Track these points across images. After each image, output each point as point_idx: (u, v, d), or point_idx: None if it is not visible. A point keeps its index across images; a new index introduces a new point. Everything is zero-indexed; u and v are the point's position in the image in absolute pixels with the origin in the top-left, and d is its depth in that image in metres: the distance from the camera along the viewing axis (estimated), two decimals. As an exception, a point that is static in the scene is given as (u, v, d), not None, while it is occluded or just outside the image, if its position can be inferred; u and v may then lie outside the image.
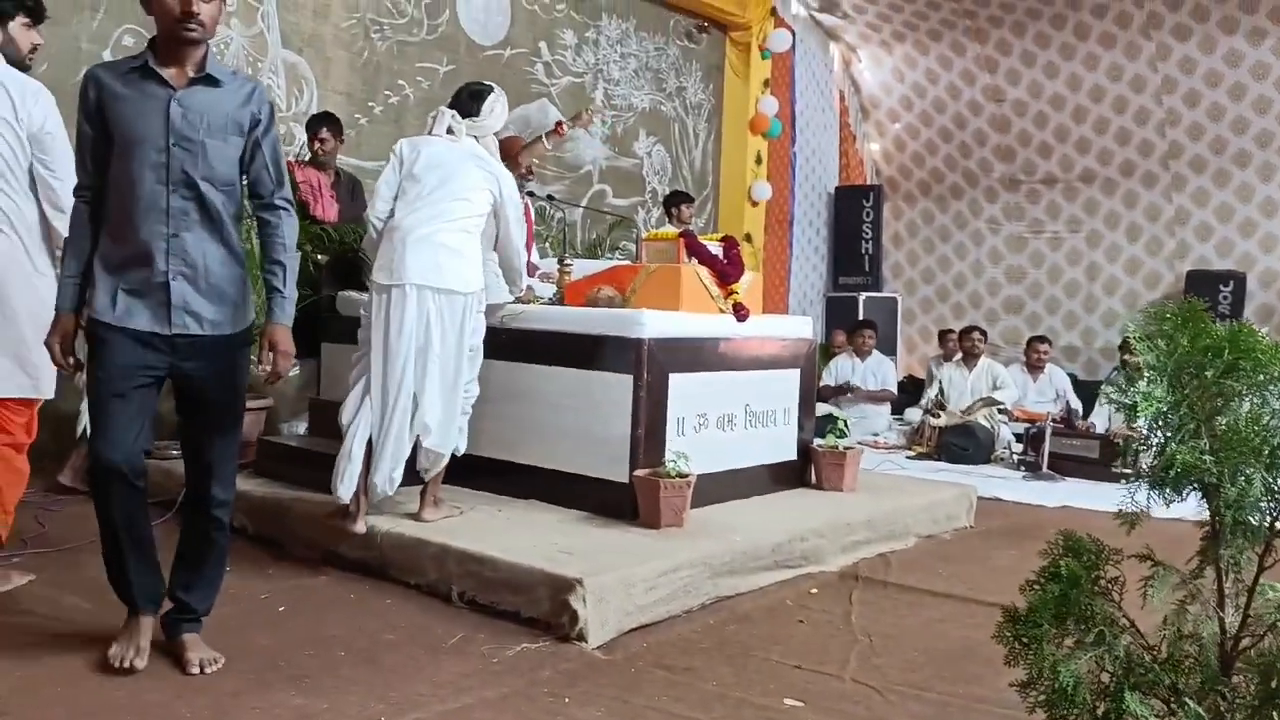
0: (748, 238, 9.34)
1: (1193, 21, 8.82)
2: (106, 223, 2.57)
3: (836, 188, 11.20)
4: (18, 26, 3.25)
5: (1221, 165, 9.26)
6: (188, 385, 2.66)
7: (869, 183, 11.30)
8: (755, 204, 9.73)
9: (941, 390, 7.73)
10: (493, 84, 4.13)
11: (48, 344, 2.61)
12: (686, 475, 3.94)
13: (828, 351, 8.81)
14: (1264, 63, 8.77)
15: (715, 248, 4.69)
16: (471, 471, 4.21)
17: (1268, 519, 1.62)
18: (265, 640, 3.03)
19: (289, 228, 2.74)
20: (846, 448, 4.95)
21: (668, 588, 3.43)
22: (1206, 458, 1.57)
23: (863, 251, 10.97)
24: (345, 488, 3.73)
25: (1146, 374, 1.68)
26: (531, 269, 5.04)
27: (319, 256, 5.30)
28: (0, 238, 3.13)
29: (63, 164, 3.17)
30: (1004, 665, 1.77)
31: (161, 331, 2.55)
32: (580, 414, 4.21)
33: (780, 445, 4.87)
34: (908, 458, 7.28)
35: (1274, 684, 1.50)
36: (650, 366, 4.10)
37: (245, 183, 2.69)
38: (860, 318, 9.45)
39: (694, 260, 4.57)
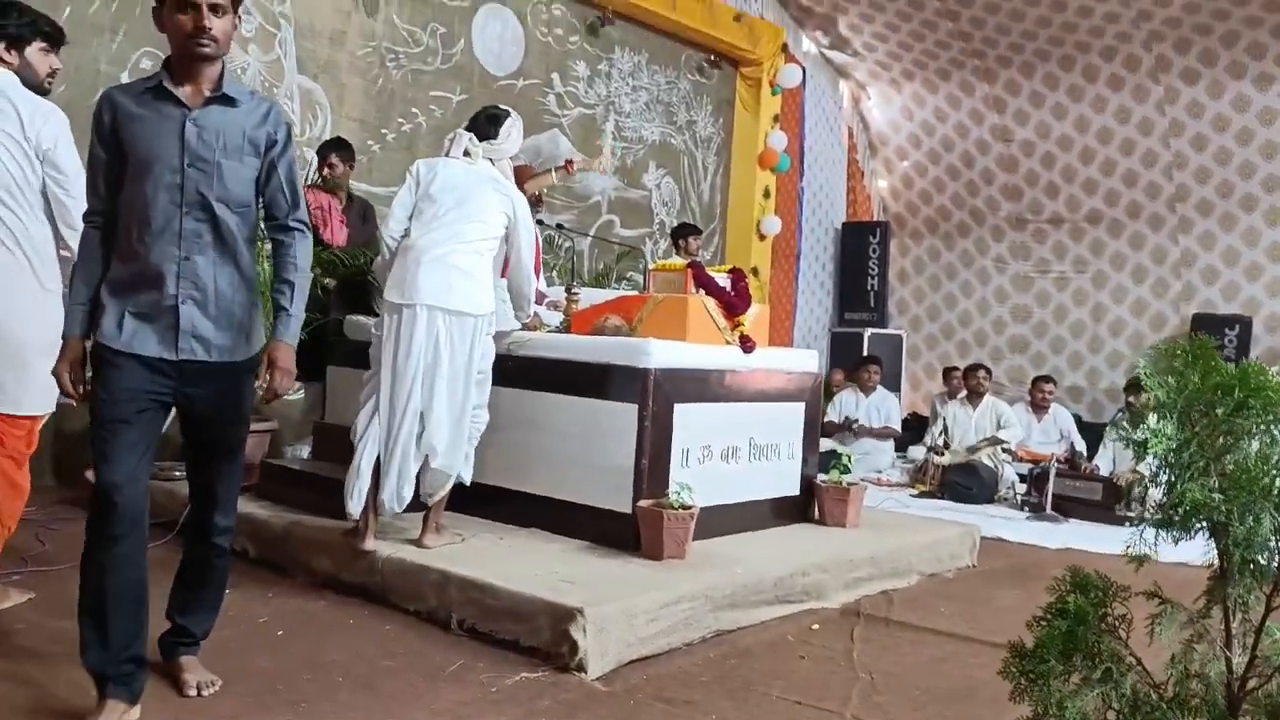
0: (754, 271, 9.37)
1: (1201, 66, 8.89)
2: (117, 247, 2.51)
3: (843, 223, 11.24)
4: (35, 51, 3.29)
5: (1228, 209, 9.29)
6: (192, 411, 2.60)
7: (876, 219, 11.34)
8: (764, 238, 9.77)
9: (946, 428, 7.71)
10: (510, 109, 4.17)
11: (55, 372, 2.55)
12: (690, 507, 3.93)
13: (827, 389, 8.81)
14: (1272, 108, 8.83)
15: (723, 279, 4.70)
16: (474, 499, 4.20)
17: (1276, 559, 1.61)
18: (264, 663, 3.01)
19: (302, 249, 2.69)
20: (850, 483, 4.93)
21: (669, 619, 3.40)
22: (1216, 495, 1.56)
23: (868, 287, 10.99)
24: (355, 504, 3.75)
25: (1156, 411, 1.67)
26: (539, 296, 5.05)
27: (327, 280, 5.32)
28: (4, 254, 3.16)
29: (76, 183, 3.19)
30: (1008, 703, 1.76)
31: (168, 357, 2.49)
32: (584, 443, 4.20)
33: (784, 479, 4.86)
34: (911, 495, 7.25)
35: (1282, 727, 1.49)
36: (656, 396, 4.10)
37: (260, 204, 2.64)
38: (865, 353, 9.45)
39: (701, 291, 4.57)
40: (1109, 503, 6.67)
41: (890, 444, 8.43)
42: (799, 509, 4.92)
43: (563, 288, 5.19)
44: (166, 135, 2.46)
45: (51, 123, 3.21)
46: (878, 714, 2.95)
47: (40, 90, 3.30)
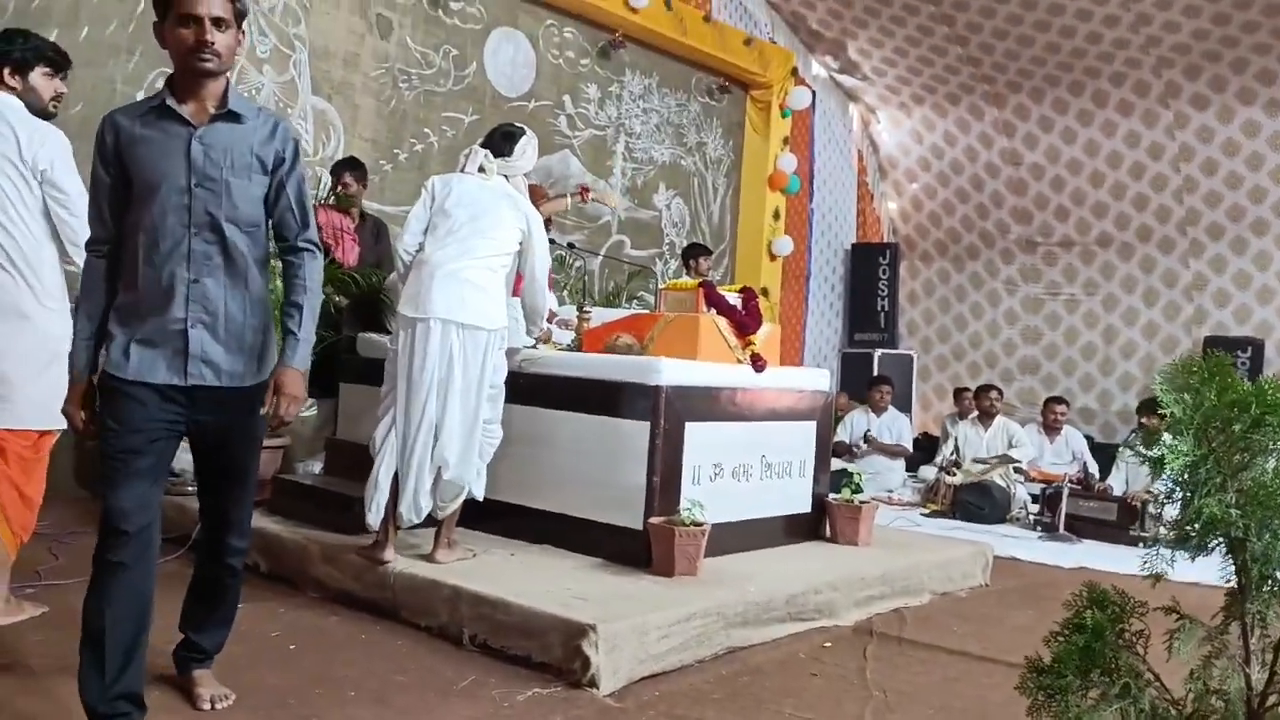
0: (764, 291, 9.38)
1: (1210, 91, 8.90)
2: (124, 273, 2.44)
3: (853, 245, 11.26)
4: (39, 76, 3.35)
5: (1239, 232, 9.28)
6: (203, 438, 2.54)
7: (885, 240, 11.36)
8: (775, 258, 9.79)
9: (957, 448, 7.70)
10: (525, 127, 4.22)
11: (66, 413, 2.48)
12: (701, 524, 3.93)
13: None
14: (1282, 133, 8.84)
15: (734, 299, 4.72)
16: (486, 515, 4.20)
17: (1294, 575, 1.61)
18: (275, 679, 3.01)
19: (313, 271, 2.62)
20: (861, 502, 4.92)
21: (681, 636, 3.40)
22: (1233, 511, 1.57)
23: (878, 308, 11.00)
24: (374, 515, 3.79)
25: (1172, 428, 1.68)
26: (550, 315, 5.08)
27: (339, 298, 5.35)
28: (2, 274, 3.20)
29: (78, 202, 3.23)
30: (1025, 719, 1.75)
31: (177, 383, 2.41)
32: (596, 460, 4.21)
33: (795, 497, 4.85)
34: (922, 515, 7.22)
35: (1303, 744, 1.48)
36: (667, 414, 4.11)
37: (270, 224, 2.57)
38: (875, 374, 9.45)
39: (713, 310, 4.59)
40: (1123, 523, 6.64)
41: (901, 463, 8.41)
42: (810, 527, 4.91)
43: (574, 307, 5.21)
44: (172, 155, 2.39)
45: (49, 144, 3.26)
46: (891, 733, 2.93)
47: (45, 114, 3.37)
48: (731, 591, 3.73)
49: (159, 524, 2.47)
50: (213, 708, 2.69)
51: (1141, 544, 6.18)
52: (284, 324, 2.58)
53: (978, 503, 7.11)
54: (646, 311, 5.59)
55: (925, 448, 8.97)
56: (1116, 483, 7.25)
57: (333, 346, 5.29)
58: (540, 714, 2.89)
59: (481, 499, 3.95)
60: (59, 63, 3.42)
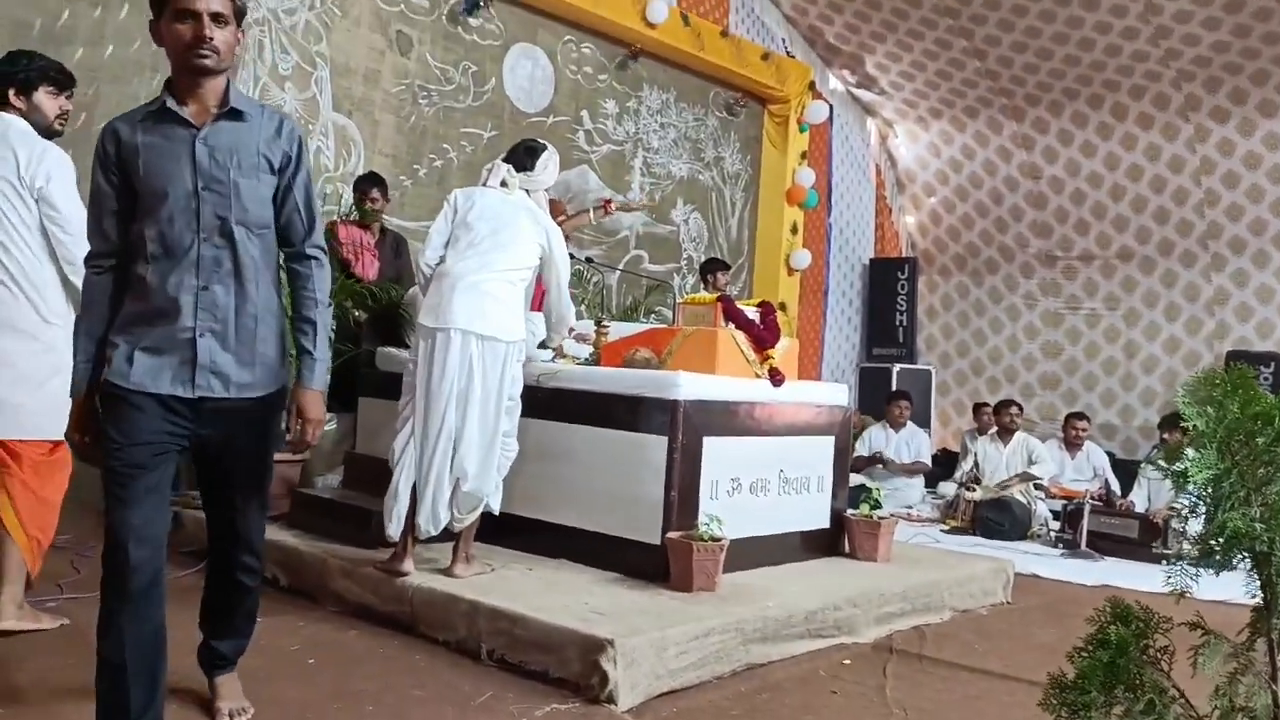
0: (782, 306, 9.37)
1: (1231, 104, 8.85)
2: (130, 286, 2.35)
3: (871, 259, 11.24)
4: (43, 95, 3.42)
5: (1261, 246, 9.20)
6: (210, 450, 2.43)
7: (904, 255, 11.33)
8: (793, 272, 9.78)
9: (976, 464, 7.65)
10: (547, 143, 4.26)
11: (68, 437, 2.41)
12: (720, 539, 3.91)
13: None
14: (1304, 146, 8.77)
15: (752, 313, 4.72)
16: (504, 530, 4.20)
17: (1322, 591, 1.59)
18: (294, 692, 3.01)
19: (322, 280, 2.53)
20: (881, 517, 4.89)
21: (699, 652, 3.38)
22: (1258, 525, 1.55)
23: (897, 323, 10.96)
24: (394, 526, 3.81)
25: (1195, 441, 1.66)
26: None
27: (358, 313, 5.38)
28: (2, 291, 3.26)
29: (73, 220, 3.29)
30: (1048, 736, 1.73)
31: (184, 394, 2.31)
32: (614, 474, 4.20)
33: (813, 513, 4.83)
34: (942, 531, 7.17)
35: (1332, 762, 1.45)
36: (685, 428, 4.10)
37: (277, 226, 2.47)
38: (894, 389, 9.41)
39: (731, 325, 4.59)
40: (1145, 540, 6.57)
41: (920, 479, 8.36)
42: (829, 542, 4.89)
43: (592, 321, 5.22)
44: (176, 159, 2.30)
45: (47, 161, 3.32)
46: (911, 750, 2.90)
47: (51, 132, 3.44)
48: (750, 607, 3.71)
49: (166, 545, 2.37)
50: (231, 720, 2.69)
51: (1164, 561, 6.09)
52: (298, 342, 2.49)
53: (998, 519, 7.06)
54: (664, 326, 5.59)
55: (944, 464, 8.91)
56: (1138, 499, 7.19)
57: (352, 360, 5.32)
58: (558, 729, 2.88)
59: (498, 512, 3.96)
60: (63, 81, 3.49)
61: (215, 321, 2.32)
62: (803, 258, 9.74)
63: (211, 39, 2.26)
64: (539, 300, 4.32)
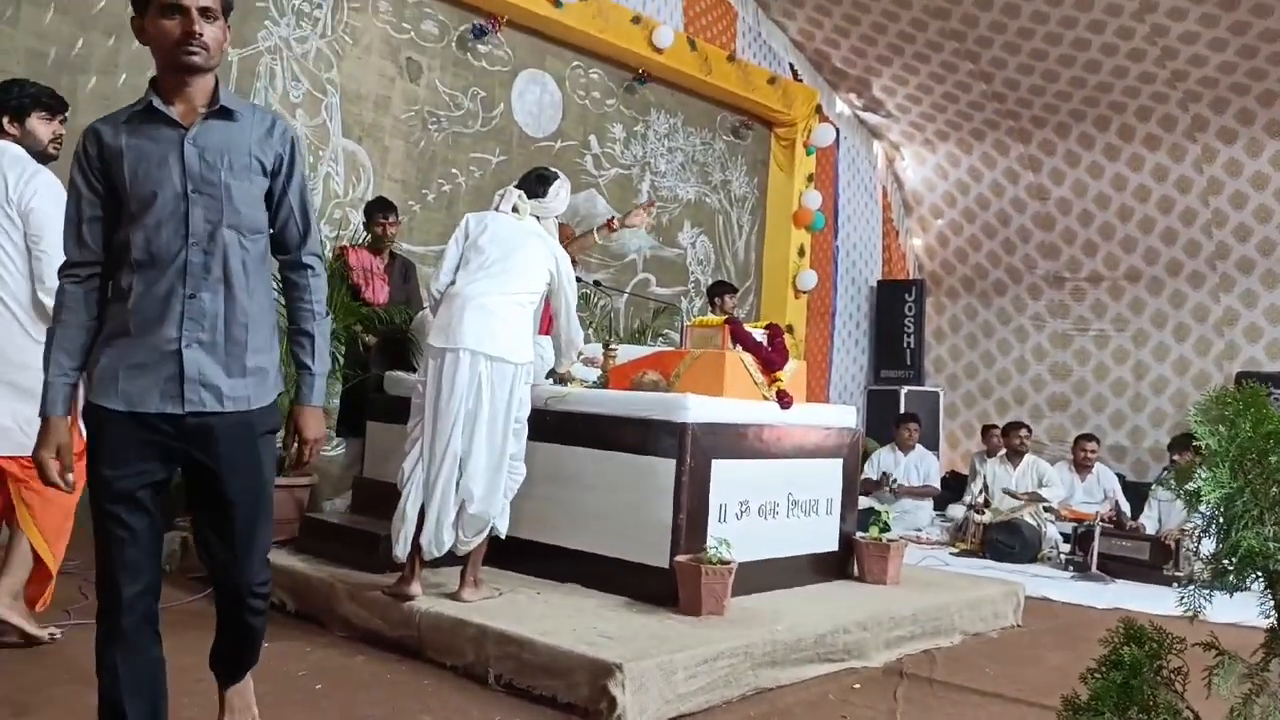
0: (789, 329, 9.37)
1: (1238, 125, 8.87)
2: (114, 296, 2.19)
3: (879, 281, 11.25)
4: (36, 121, 3.50)
5: (1270, 266, 9.19)
6: (202, 475, 2.23)
7: (911, 277, 11.34)
8: (800, 295, 9.79)
9: (986, 486, 7.61)
10: (559, 171, 4.32)
11: (38, 458, 2.19)
12: (728, 562, 3.90)
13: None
14: (1311, 166, 8.77)
15: (760, 335, 4.71)
16: (511, 554, 4.19)
17: (1337, 611, 1.57)
18: (301, 718, 3.00)
19: (319, 290, 2.39)
20: (890, 540, 4.87)
21: (708, 676, 3.36)
22: (1271, 544, 1.54)
23: (905, 345, 10.95)
24: (401, 548, 3.81)
25: (1207, 460, 1.65)
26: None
27: (368, 337, 5.39)
28: None
29: (55, 244, 3.33)
30: (1062, 760, 1.71)
31: (173, 411, 2.14)
32: (622, 498, 4.20)
33: (822, 535, 4.81)
34: (951, 554, 7.13)
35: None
36: (693, 451, 4.09)
37: (271, 233, 2.33)
38: (902, 411, 9.38)
39: (739, 347, 4.59)
40: (1157, 562, 6.52)
41: (929, 502, 8.32)
42: (838, 565, 4.86)
43: (600, 344, 5.23)
44: (163, 161, 2.15)
45: (35, 182, 3.38)
46: (923, 776, 2.88)
47: (45, 156, 3.52)
48: (759, 631, 3.69)
49: (160, 576, 2.26)
50: (239, 745, 2.65)
51: (1176, 583, 6.05)
52: (295, 356, 2.35)
53: (1008, 542, 7.02)
54: (672, 349, 5.59)
55: (953, 486, 8.87)
56: (1149, 522, 7.14)
57: (361, 385, 5.33)
58: (566, 754, 2.86)
59: (504, 536, 3.95)
60: (55, 107, 3.56)
61: (203, 331, 2.16)
62: (809, 278, 9.75)
63: (201, 35, 2.13)
64: (547, 325, 4.34)
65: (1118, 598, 5.85)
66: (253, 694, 2.60)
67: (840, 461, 4.93)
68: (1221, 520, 1.66)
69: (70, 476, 2.21)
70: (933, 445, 9.50)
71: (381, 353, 5.35)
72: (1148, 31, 8.21)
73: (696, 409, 4.14)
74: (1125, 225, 9.83)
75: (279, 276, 2.39)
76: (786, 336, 5.11)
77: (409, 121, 7.02)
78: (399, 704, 3.19)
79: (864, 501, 6.40)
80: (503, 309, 3.84)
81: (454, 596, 3.83)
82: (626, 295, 8.10)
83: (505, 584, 4.10)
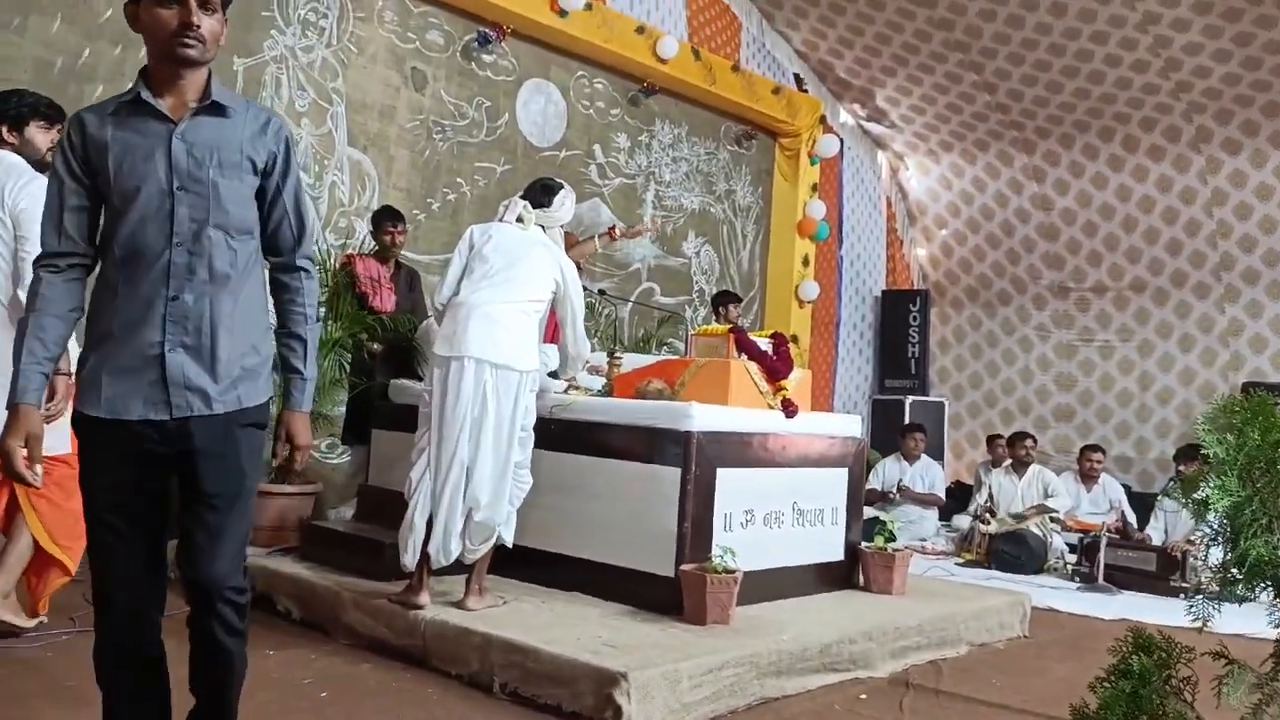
0: (794, 338, 9.37)
1: (1243, 136, 8.87)
2: (101, 293, 2.11)
3: (883, 291, 11.24)
4: (34, 130, 3.57)
5: (1275, 277, 9.17)
6: (183, 468, 2.11)
7: (916, 287, 11.33)
8: (803, 304, 9.79)
9: (991, 496, 7.59)
10: (563, 182, 4.33)
11: (6, 448, 2.04)
12: (733, 571, 3.89)
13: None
14: (1316, 176, 8.77)
15: (765, 344, 4.72)
16: (516, 562, 4.18)
17: (1347, 620, 1.56)
18: (306, 724, 3.00)
19: (310, 293, 2.30)
20: (895, 550, 4.86)
21: (713, 686, 3.35)
22: (1281, 553, 1.53)
23: (909, 355, 10.94)
24: (409, 557, 3.81)
25: (1215, 469, 1.65)
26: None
27: (374, 345, 5.40)
28: None
29: (36, 243, 3.39)
30: (1070, 770, 1.71)
31: (158, 417, 2.05)
32: (627, 506, 4.19)
33: (827, 545, 4.80)
34: (957, 564, 7.11)
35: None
36: (698, 460, 4.09)
37: (264, 234, 2.24)
38: (906, 421, 9.37)
39: (743, 356, 4.59)
40: (1163, 573, 6.50)
41: (934, 512, 8.30)
42: (843, 575, 4.85)
43: (605, 353, 5.23)
44: (149, 155, 2.06)
45: (30, 187, 3.42)
46: (930, 786, 2.86)
47: (44, 165, 3.55)
48: (765, 640, 3.68)
49: (164, 587, 2.18)
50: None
51: (1183, 595, 6.02)
52: (285, 359, 2.26)
53: (1014, 552, 7.00)
54: (677, 357, 5.59)
55: (959, 496, 8.85)
56: (1155, 532, 7.12)
57: (366, 393, 5.33)
58: (571, 763, 2.85)
59: (510, 544, 3.95)
60: (53, 116, 3.62)
61: (187, 335, 2.07)
62: (810, 288, 9.75)
63: (199, 27, 2.04)
64: (552, 333, 4.34)
65: (1124, 609, 5.82)
66: None
67: (845, 471, 4.92)
68: (1230, 529, 1.66)
69: (39, 468, 2.09)
70: (937, 455, 9.48)
71: (386, 361, 5.36)
72: (1151, 43, 8.22)
73: (701, 417, 4.14)
74: (1130, 236, 9.82)
75: (271, 281, 2.30)
76: (791, 346, 5.12)
77: (414, 131, 7.03)
78: (404, 712, 3.18)
79: (869, 511, 6.38)
80: (507, 317, 3.85)
81: (459, 605, 3.83)
82: (631, 304, 8.10)
83: (510, 592, 4.10)
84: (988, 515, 7.39)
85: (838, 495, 4.86)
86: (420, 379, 4.94)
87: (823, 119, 9.92)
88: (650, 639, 3.58)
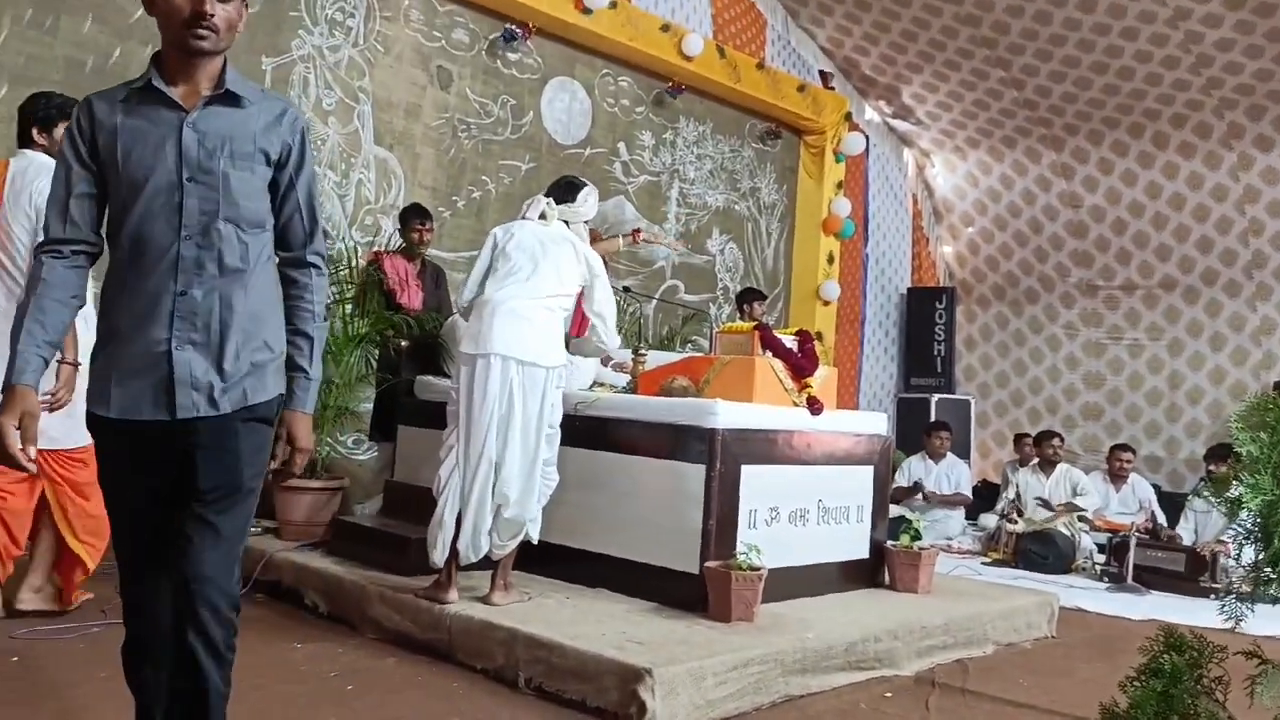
0: (819, 335, 9.34)
1: (1275, 133, 8.74)
2: (110, 287, 2.04)
3: (909, 289, 11.19)
4: (62, 130, 3.65)
5: (1308, 275, 9.06)
6: (182, 465, 2.03)
7: (942, 284, 11.26)
8: (829, 302, 9.76)
9: (1018, 495, 7.53)
10: (586, 180, 4.36)
11: None
12: (758, 568, 3.88)
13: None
14: (1350, 173, 8.64)
15: (790, 341, 4.70)
16: (541, 558, 4.20)
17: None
18: (333, 719, 3.02)
19: (320, 290, 2.21)
20: (921, 548, 4.83)
21: (738, 683, 3.35)
22: (1316, 552, 1.51)
23: (935, 353, 10.87)
24: (439, 554, 3.83)
25: (1250, 466, 1.63)
26: (604, 359, 5.11)
27: (402, 342, 5.43)
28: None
29: None
30: (1100, 769, 1.70)
31: (165, 418, 1.99)
32: (651, 503, 4.19)
33: (853, 543, 4.78)
34: (983, 563, 7.06)
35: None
36: (723, 457, 4.09)
37: (275, 228, 2.15)
38: (932, 419, 9.31)
39: (768, 353, 4.58)
40: (1193, 574, 6.42)
41: (960, 511, 8.24)
42: (868, 573, 4.83)
43: (630, 350, 5.24)
44: (159, 144, 1.99)
45: (41, 179, 3.50)
46: (956, 785, 2.85)
47: None
48: (789, 638, 3.67)
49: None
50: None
51: (1213, 595, 5.96)
52: (291, 357, 2.16)
53: (1041, 552, 6.94)
54: (702, 354, 5.59)
55: (985, 496, 8.78)
56: (1185, 533, 7.03)
57: (392, 389, 5.37)
58: (596, 759, 2.85)
59: (537, 541, 3.96)
60: None
61: (195, 332, 2.00)
62: (831, 289, 9.71)
63: (212, 15, 1.96)
64: (579, 325, 4.35)
65: (1153, 609, 5.76)
66: None
67: (871, 469, 4.90)
68: (1263, 528, 1.64)
69: (32, 450, 1.97)
70: (964, 454, 9.42)
71: (413, 357, 5.39)
72: (1181, 39, 8.13)
73: (726, 414, 4.14)
74: (1160, 233, 9.72)
75: (280, 277, 2.21)
76: (816, 343, 5.10)
77: (439, 129, 7.07)
78: (429, 706, 3.20)
79: (895, 510, 6.35)
80: (532, 313, 3.86)
81: (484, 600, 3.84)
82: (655, 301, 8.10)
83: (535, 588, 4.11)
84: (1015, 514, 7.33)
85: (863, 493, 4.84)
86: (446, 376, 4.96)
87: (848, 116, 9.88)
88: (675, 635, 3.58)
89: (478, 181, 7.29)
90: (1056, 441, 7.65)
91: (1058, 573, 6.78)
